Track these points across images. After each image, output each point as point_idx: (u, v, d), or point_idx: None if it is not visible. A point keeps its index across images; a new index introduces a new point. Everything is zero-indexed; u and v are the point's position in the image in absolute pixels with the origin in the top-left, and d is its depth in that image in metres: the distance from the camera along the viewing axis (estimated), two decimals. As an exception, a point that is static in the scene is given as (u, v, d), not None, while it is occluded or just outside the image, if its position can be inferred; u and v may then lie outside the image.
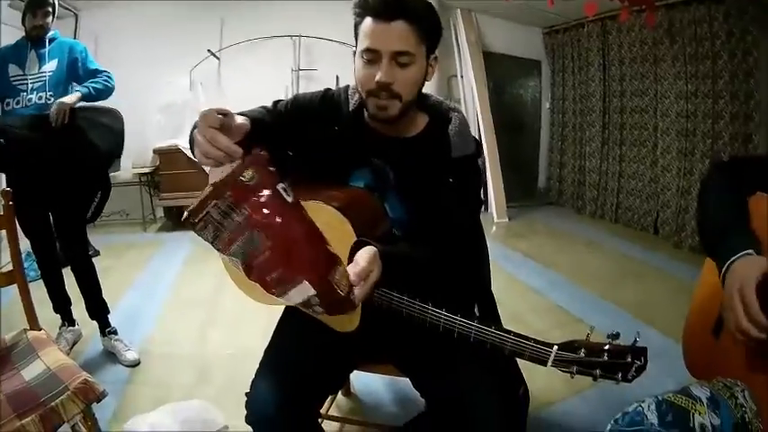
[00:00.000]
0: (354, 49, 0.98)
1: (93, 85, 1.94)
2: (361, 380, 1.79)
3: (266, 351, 1.07)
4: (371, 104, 0.96)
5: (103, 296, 2.09)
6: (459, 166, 1.02)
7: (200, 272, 3.08)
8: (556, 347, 0.86)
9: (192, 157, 0.89)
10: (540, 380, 1.59)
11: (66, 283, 2.06)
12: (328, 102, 1.07)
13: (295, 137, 1.05)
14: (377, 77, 0.91)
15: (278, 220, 0.68)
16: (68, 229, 1.99)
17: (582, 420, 1.61)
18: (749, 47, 3.10)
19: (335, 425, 1.57)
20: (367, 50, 0.92)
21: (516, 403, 1.12)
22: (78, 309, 2.10)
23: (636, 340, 0.85)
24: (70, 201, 1.95)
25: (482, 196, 3.76)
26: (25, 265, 1.37)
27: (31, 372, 1.13)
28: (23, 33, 1.95)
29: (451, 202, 1.01)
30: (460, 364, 0.99)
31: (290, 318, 1.12)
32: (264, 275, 0.72)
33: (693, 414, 0.76)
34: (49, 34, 1.96)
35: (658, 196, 3.87)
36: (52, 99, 1.86)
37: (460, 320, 0.90)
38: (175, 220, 4.37)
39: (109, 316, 2.10)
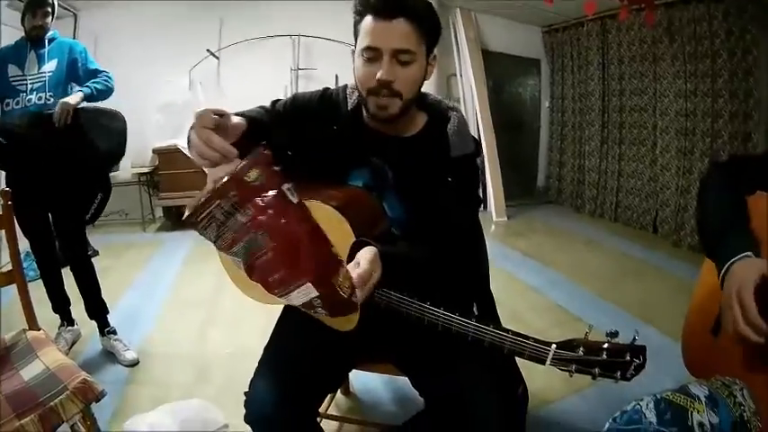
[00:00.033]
0: (354, 48, 0.97)
1: (95, 85, 1.94)
2: (360, 379, 1.79)
3: (265, 350, 1.07)
4: (372, 103, 0.95)
5: (102, 296, 2.09)
6: (458, 165, 1.02)
7: (199, 272, 3.08)
8: (554, 346, 0.86)
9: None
10: (539, 379, 1.60)
11: (65, 282, 2.06)
12: (327, 101, 1.07)
13: (293, 136, 1.05)
14: (378, 75, 0.91)
15: (282, 221, 0.67)
16: (68, 229, 1.98)
17: (581, 419, 1.61)
18: (748, 45, 3.10)
19: (334, 424, 1.57)
20: (368, 48, 0.92)
21: (515, 402, 1.12)
22: (77, 309, 2.10)
23: (635, 339, 0.85)
24: (70, 201, 1.94)
25: (481, 195, 3.79)
26: (24, 264, 1.37)
27: (30, 372, 1.13)
28: (23, 33, 1.95)
29: (450, 202, 1.01)
30: (459, 363, 0.98)
31: (289, 317, 1.12)
32: (267, 276, 0.71)
33: (692, 412, 0.76)
34: (49, 34, 1.96)
35: (657, 195, 3.87)
36: (52, 99, 1.86)
37: (459, 319, 0.90)
38: (175, 220, 4.36)
39: (108, 316, 2.10)
